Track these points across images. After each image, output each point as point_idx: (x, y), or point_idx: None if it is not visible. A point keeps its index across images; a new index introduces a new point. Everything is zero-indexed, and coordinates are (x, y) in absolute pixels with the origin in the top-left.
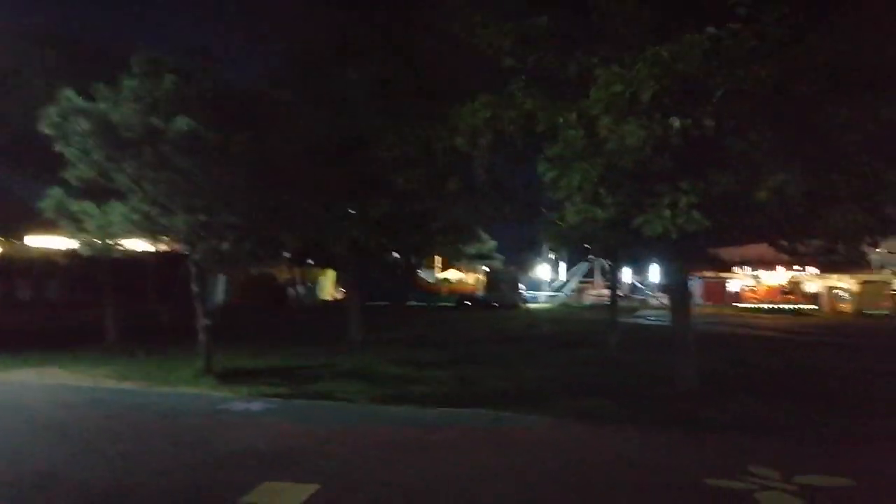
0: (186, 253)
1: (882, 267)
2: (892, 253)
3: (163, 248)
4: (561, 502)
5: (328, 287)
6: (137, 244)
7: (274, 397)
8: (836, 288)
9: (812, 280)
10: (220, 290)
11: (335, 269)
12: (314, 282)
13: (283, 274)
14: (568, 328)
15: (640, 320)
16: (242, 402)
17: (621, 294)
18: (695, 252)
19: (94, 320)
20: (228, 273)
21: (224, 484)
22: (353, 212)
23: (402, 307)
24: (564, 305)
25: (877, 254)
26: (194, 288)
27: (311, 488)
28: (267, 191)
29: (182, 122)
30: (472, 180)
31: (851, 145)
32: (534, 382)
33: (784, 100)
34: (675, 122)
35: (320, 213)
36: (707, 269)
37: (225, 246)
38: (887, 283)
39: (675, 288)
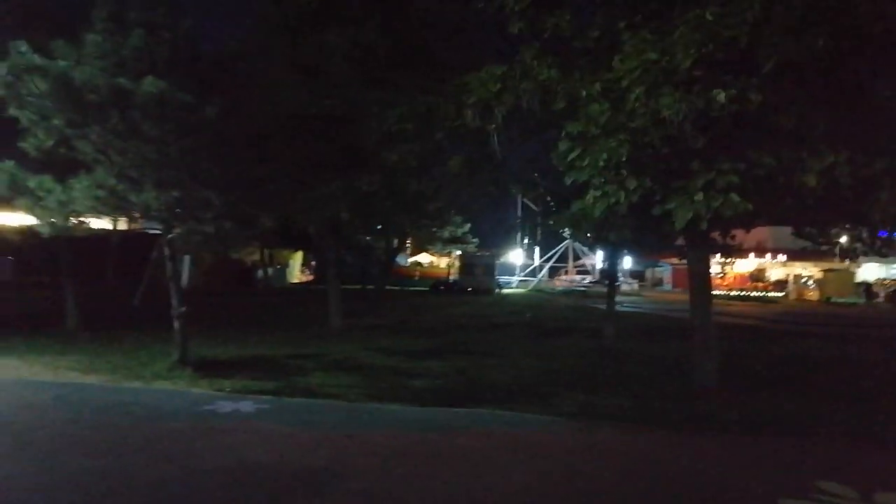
0: (157, 233)
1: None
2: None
3: (131, 226)
4: None
5: (296, 269)
6: (104, 223)
7: (262, 394)
8: (803, 276)
9: (777, 268)
10: (185, 272)
11: (308, 250)
12: (283, 264)
13: (250, 255)
14: (550, 314)
15: (617, 307)
16: (229, 401)
17: (594, 280)
18: (707, 238)
19: (53, 304)
20: (194, 254)
21: None
22: (340, 189)
23: (380, 292)
24: (538, 291)
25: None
26: (168, 271)
27: None
28: (247, 164)
29: (152, 84)
30: (474, 158)
31: None
32: (536, 375)
33: (838, 74)
34: (721, 96)
35: (304, 189)
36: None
37: (206, 226)
38: (850, 272)
39: (696, 277)
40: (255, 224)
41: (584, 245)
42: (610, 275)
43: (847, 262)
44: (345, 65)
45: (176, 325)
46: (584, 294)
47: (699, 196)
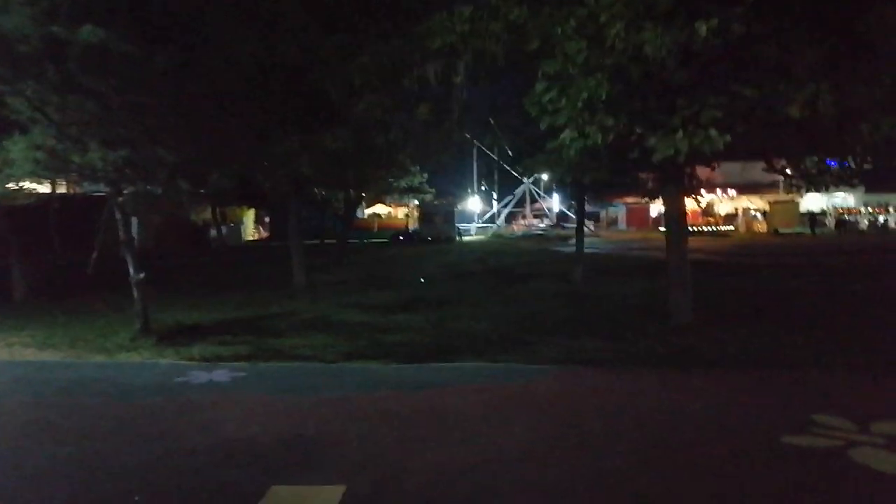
0: (106, 195)
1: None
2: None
3: (71, 189)
4: (640, 478)
5: (250, 227)
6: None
7: (235, 361)
8: (751, 209)
9: (726, 202)
10: (133, 234)
11: (261, 207)
12: (235, 221)
13: (202, 214)
14: (515, 260)
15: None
16: (202, 371)
17: (552, 223)
18: (682, 175)
19: None
20: (142, 215)
21: (219, 493)
22: (303, 144)
23: (342, 246)
24: (497, 236)
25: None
26: (122, 236)
27: (336, 492)
28: (202, 120)
29: (90, 33)
30: (444, 105)
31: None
32: (513, 322)
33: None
34: (703, 28)
35: (265, 145)
36: (687, 194)
37: (156, 187)
38: (795, 203)
39: (671, 216)
40: (210, 183)
41: (539, 189)
42: (577, 217)
43: (791, 194)
44: (300, 9)
45: (135, 292)
46: (543, 237)
47: (680, 133)
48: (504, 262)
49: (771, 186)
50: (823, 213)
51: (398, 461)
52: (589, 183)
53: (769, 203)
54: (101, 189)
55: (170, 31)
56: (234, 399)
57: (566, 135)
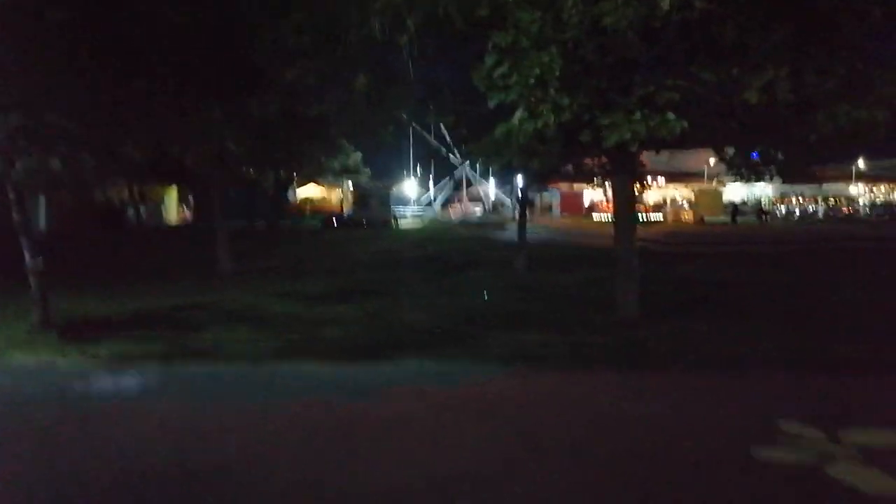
0: None
1: (715, 177)
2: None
3: None
4: (605, 497)
5: (172, 207)
6: None
7: (147, 360)
8: (678, 198)
9: (653, 190)
10: (40, 214)
11: (190, 186)
12: (156, 201)
13: (119, 192)
14: (453, 246)
15: (512, 236)
16: (108, 374)
17: (489, 209)
18: (634, 161)
19: None
20: (50, 194)
21: None
22: (226, 114)
23: (272, 230)
24: (434, 222)
25: (708, 164)
26: (15, 216)
27: None
28: (109, 82)
29: None
30: (385, 74)
31: (855, 36)
32: (455, 314)
33: None
34: (665, 2)
35: (182, 114)
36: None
37: (55, 161)
38: (719, 192)
39: (621, 203)
40: (120, 156)
41: (476, 172)
42: (521, 203)
43: (714, 183)
44: None
45: (32, 282)
46: (480, 224)
47: (637, 115)
48: (443, 248)
49: (695, 175)
50: (744, 203)
51: (334, 483)
52: (536, 168)
53: (694, 192)
54: None
55: None
56: (143, 411)
57: (518, 115)
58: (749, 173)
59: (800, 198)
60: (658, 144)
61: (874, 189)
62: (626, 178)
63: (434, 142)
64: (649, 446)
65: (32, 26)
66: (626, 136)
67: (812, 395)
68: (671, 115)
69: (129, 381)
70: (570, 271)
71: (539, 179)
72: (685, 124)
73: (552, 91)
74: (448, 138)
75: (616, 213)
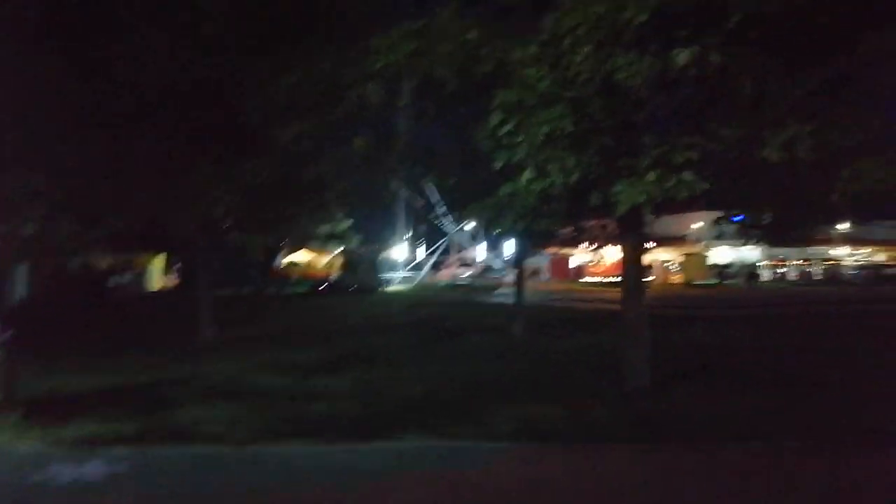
0: None
1: (698, 240)
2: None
3: None
4: None
5: (157, 275)
6: None
7: (118, 444)
8: (667, 261)
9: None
10: (19, 282)
11: (172, 252)
12: (141, 269)
13: (101, 260)
14: (443, 311)
15: (504, 300)
16: (71, 463)
17: (477, 274)
18: (643, 224)
19: None
20: (31, 261)
21: None
22: (216, 178)
23: (259, 297)
24: (423, 287)
25: (692, 229)
26: None
27: None
28: (90, 144)
29: None
30: (384, 135)
31: (878, 88)
32: (453, 385)
33: (807, 29)
34: (681, 56)
35: (171, 178)
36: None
37: (29, 226)
38: (705, 255)
39: (630, 267)
40: (104, 223)
41: (464, 238)
42: (518, 267)
43: (701, 246)
44: (222, 22)
45: None
46: (469, 288)
47: (651, 176)
48: (433, 313)
49: (681, 239)
50: (731, 265)
51: None
52: (539, 231)
53: (683, 255)
54: None
55: (58, 29)
56: None
57: (526, 175)
58: (757, 235)
59: (786, 260)
60: (668, 208)
61: (859, 251)
62: (635, 242)
63: (427, 206)
64: None
65: (13, 83)
66: (640, 199)
67: (853, 478)
68: (689, 175)
69: (95, 468)
70: (569, 336)
71: (537, 243)
72: (706, 185)
73: (561, 150)
74: (443, 202)
75: (624, 277)
